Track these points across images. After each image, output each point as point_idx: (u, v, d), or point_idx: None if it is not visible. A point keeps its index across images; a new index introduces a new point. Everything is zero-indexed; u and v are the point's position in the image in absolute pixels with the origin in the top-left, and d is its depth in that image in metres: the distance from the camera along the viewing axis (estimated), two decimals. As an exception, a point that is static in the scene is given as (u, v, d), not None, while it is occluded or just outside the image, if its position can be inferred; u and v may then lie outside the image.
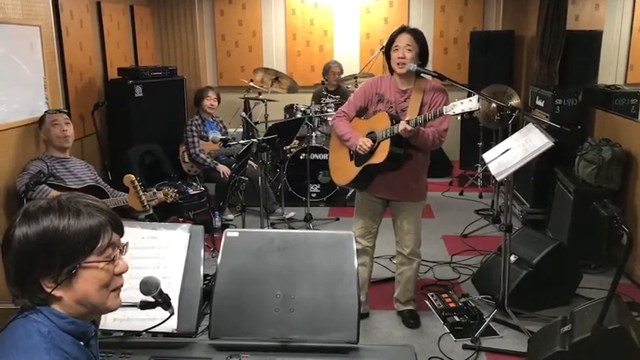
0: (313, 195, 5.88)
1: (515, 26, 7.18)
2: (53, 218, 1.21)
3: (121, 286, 1.34)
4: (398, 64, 3.24)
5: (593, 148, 4.38)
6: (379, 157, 3.24)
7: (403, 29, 3.31)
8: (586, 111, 5.07)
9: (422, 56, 3.28)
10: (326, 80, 6.46)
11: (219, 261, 1.90)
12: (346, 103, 3.55)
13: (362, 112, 3.45)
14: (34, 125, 3.81)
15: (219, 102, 5.72)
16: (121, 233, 1.33)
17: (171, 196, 3.70)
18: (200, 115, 5.61)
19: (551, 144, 3.12)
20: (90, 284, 1.25)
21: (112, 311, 1.34)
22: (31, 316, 1.22)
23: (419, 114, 3.22)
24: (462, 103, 2.97)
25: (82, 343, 1.28)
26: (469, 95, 5.69)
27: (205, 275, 1.99)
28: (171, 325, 1.81)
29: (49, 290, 1.22)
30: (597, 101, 4.89)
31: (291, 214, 5.62)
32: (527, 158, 3.18)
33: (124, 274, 1.34)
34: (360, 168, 3.35)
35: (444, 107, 3.04)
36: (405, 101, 3.31)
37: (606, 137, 4.49)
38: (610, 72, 4.96)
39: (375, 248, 3.67)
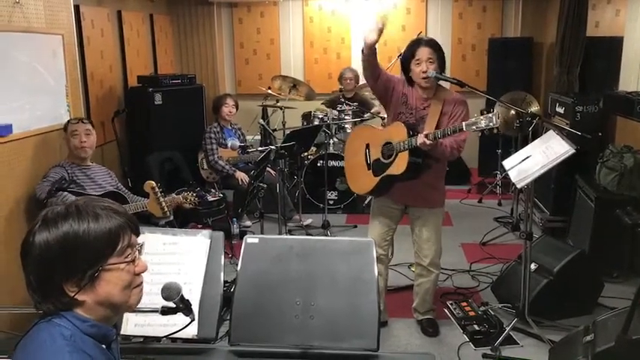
0: (331, 202, 5.88)
1: (534, 33, 7.14)
2: (73, 223, 1.22)
3: (141, 283, 1.35)
4: (422, 78, 3.22)
5: (614, 156, 4.33)
6: (398, 168, 3.23)
7: (421, 41, 3.29)
8: (607, 118, 5.01)
9: (441, 66, 3.27)
10: (342, 87, 6.48)
11: (239, 267, 1.90)
12: None
13: (384, 92, 3.37)
14: (56, 132, 3.85)
15: (237, 109, 5.76)
16: (138, 234, 1.35)
17: (190, 200, 3.71)
18: (219, 123, 5.65)
19: (572, 151, 3.09)
20: (113, 286, 1.26)
21: (134, 308, 1.36)
22: (54, 320, 1.23)
23: (437, 123, 3.21)
24: (481, 119, 2.95)
25: (103, 346, 1.30)
26: (488, 101, 5.64)
27: (224, 282, 1.99)
28: (192, 331, 1.82)
29: (72, 294, 1.23)
30: (618, 108, 4.83)
31: (309, 221, 5.62)
32: (549, 165, 3.14)
33: (144, 275, 1.36)
34: (378, 178, 3.35)
35: (464, 123, 3.02)
36: (424, 109, 3.30)
37: (628, 144, 4.43)
38: (631, 78, 4.89)
39: (390, 256, 3.65)
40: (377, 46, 3.13)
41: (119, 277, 1.27)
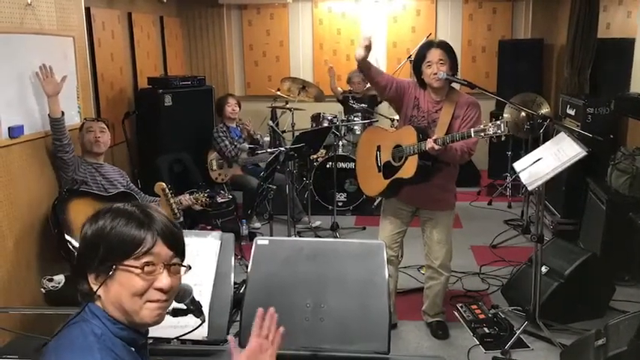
0: (340, 204, 5.88)
1: (545, 34, 7.10)
2: (107, 220, 1.29)
3: (160, 301, 1.32)
4: (434, 79, 3.22)
5: (626, 158, 4.29)
6: (408, 171, 3.23)
7: (432, 43, 3.29)
8: (618, 120, 4.98)
9: (453, 68, 3.27)
10: (351, 89, 6.49)
11: (249, 269, 1.90)
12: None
13: (396, 98, 3.39)
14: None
15: (240, 107, 5.77)
16: (173, 248, 1.33)
17: (201, 201, 3.72)
18: (224, 123, 5.66)
19: (584, 153, 3.07)
20: (122, 288, 1.28)
21: (149, 325, 1.34)
22: (87, 319, 1.29)
23: (449, 126, 3.21)
24: (489, 127, 2.95)
25: (132, 349, 1.33)
26: (498, 103, 5.61)
27: (233, 283, 1.99)
28: (202, 332, 1.82)
29: (93, 287, 1.28)
30: (630, 110, 4.78)
31: (318, 222, 5.62)
32: (560, 168, 3.13)
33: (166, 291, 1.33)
34: (388, 181, 3.35)
35: (472, 130, 3.03)
36: (436, 112, 3.29)
37: (640, 146, 4.40)
38: (643, 80, 4.87)
39: (400, 258, 3.64)
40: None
41: (129, 281, 1.27)
